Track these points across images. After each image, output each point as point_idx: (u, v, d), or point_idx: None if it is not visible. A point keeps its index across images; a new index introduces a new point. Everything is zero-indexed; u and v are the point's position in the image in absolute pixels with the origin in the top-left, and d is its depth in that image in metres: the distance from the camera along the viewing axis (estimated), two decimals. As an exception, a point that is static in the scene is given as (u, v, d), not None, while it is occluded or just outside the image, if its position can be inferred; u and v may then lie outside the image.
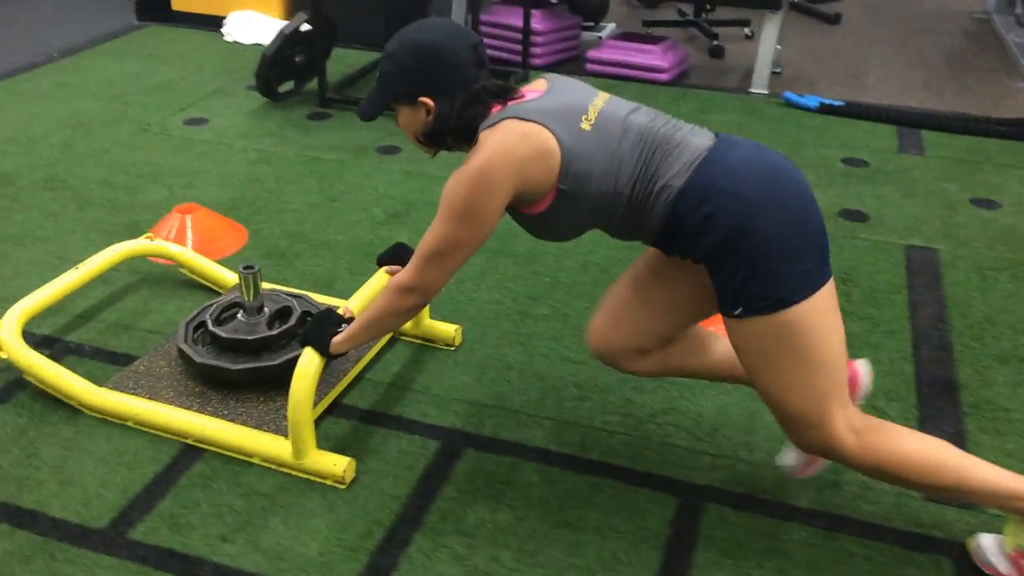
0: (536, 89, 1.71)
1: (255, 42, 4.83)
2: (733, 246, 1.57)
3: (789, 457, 1.93)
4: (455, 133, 1.69)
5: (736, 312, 1.60)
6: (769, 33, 4.23)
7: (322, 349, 1.90)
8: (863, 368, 1.93)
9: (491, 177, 1.59)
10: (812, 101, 4.05)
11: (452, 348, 2.41)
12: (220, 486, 1.94)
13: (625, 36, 4.55)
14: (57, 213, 3.03)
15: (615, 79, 4.42)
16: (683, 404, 2.19)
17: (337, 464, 1.97)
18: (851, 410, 1.67)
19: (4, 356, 2.21)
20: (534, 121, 1.60)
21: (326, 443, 2.05)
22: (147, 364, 2.30)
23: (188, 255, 2.64)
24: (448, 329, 2.43)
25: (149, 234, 2.66)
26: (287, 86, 4.08)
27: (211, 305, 2.35)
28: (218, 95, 4.11)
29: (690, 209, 1.59)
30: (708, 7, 5.09)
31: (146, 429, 2.10)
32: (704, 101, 4.18)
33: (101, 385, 2.19)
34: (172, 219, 2.86)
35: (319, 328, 1.93)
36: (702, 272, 1.66)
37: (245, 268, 2.21)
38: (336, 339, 1.89)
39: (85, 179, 3.27)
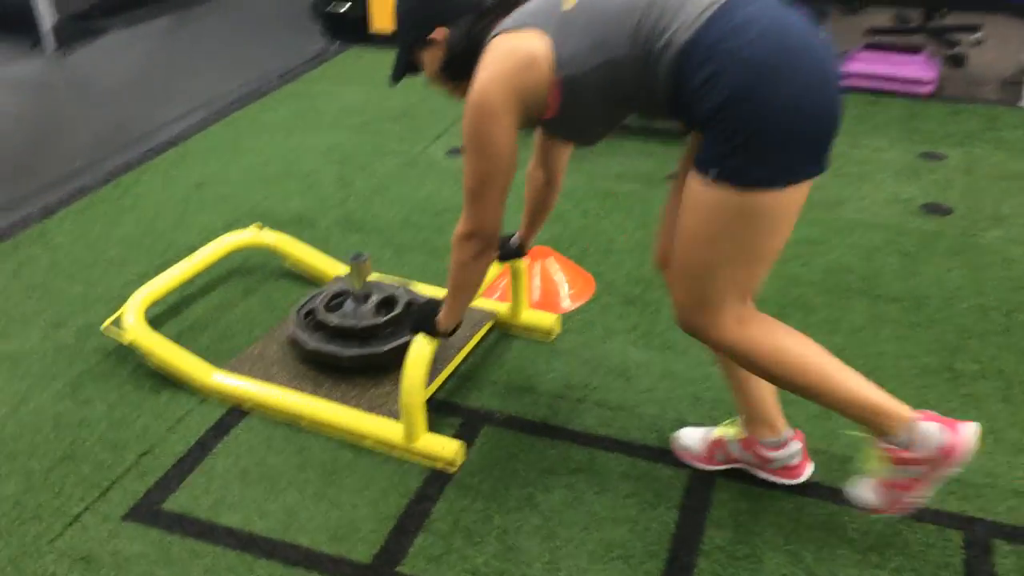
0: None
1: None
2: (731, 112, 1.43)
3: (863, 490, 1.76)
4: (469, 58, 1.63)
5: (709, 173, 1.48)
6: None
7: (432, 332, 1.96)
8: (967, 432, 1.63)
9: (488, 104, 1.58)
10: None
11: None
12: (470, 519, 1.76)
13: (874, 47, 4.29)
14: (382, 259, 2.86)
15: (871, 93, 4.15)
16: None
17: (447, 447, 2.02)
18: (748, 303, 1.64)
19: (128, 339, 2.26)
20: (519, 28, 1.58)
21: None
22: (261, 349, 2.37)
23: (292, 244, 2.71)
24: (547, 320, 2.47)
25: (258, 224, 2.73)
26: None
27: (319, 293, 2.41)
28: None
29: (693, 68, 1.44)
30: (941, 11, 4.80)
31: (261, 410, 2.17)
32: (987, 118, 3.90)
33: (219, 368, 2.27)
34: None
35: (425, 314, 1.98)
36: None
37: (355, 257, 2.27)
38: (439, 318, 1.93)
39: (384, 219, 3.09)
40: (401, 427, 2.04)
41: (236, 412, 2.17)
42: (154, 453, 2.03)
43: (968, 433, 1.63)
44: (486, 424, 2.14)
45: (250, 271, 2.77)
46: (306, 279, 2.72)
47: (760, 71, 1.41)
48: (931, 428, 1.62)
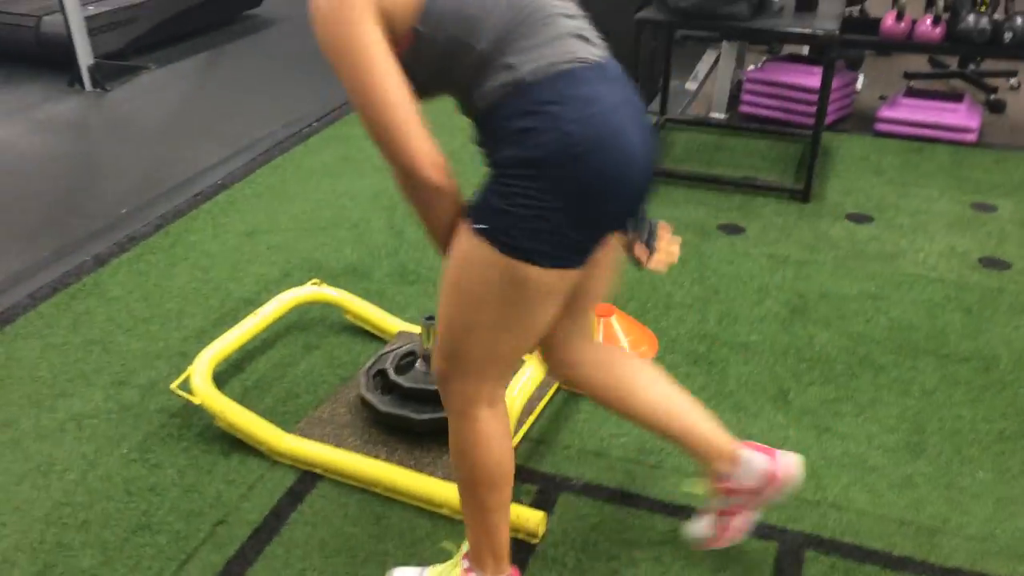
0: None
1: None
2: (525, 175, 1.37)
3: (697, 527, 1.85)
4: None
5: (475, 223, 1.43)
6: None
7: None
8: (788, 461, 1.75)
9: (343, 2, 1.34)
10: None
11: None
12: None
13: (916, 93, 4.28)
14: (435, 311, 2.81)
15: (913, 140, 4.14)
16: None
17: (529, 518, 1.97)
18: (501, 389, 1.60)
19: (197, 401, 2.23)
20: None
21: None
22: (329, 411, 2.33)
23: (355, 302, 2.69)
24: None
25: (316, 280, 2.70)
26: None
27: (386, 353, 2.39)
28: (509, 167, 3.91)
29: (516, 110, 1.37)
30: (978, 58, 4.80)
31: (335, 476, 2.13)
32: (1033, 165, 3.89)
33: (288, 432, 2.23)
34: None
35: None
36: None
37: (428, 319, 2.21)
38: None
39: (439, 270, 3.05)
40: (479, 496, 2.01)
41: (308, 477, 2.14)
42: (229, 522, 2.00)
43: (789, 461, 1.74)
44: (562, 492, 2.11)
45: (309, 326, 2.74)
46: (367, 333, 2.71)
47: (573, 152, 1.36)
48: (754, 457, 1.70)
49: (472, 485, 1.64)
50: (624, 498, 2.09)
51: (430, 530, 1.99)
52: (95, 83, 4.96)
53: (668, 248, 1.65)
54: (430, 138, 1.38)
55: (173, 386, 2.28)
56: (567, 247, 1.42)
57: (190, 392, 2.24)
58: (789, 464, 1.74)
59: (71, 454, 2.19)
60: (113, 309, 2.80)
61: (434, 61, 1.43)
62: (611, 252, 1.63)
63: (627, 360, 1.81)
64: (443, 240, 1.52)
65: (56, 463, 2.16)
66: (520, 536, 1.96)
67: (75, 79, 5.00)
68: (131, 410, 2.35)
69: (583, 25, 1.47)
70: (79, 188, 3.82)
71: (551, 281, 1.44)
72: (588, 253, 1.46)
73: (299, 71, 5.36)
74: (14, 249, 3.21)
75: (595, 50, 1.45)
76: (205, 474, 2.13)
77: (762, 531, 1.98)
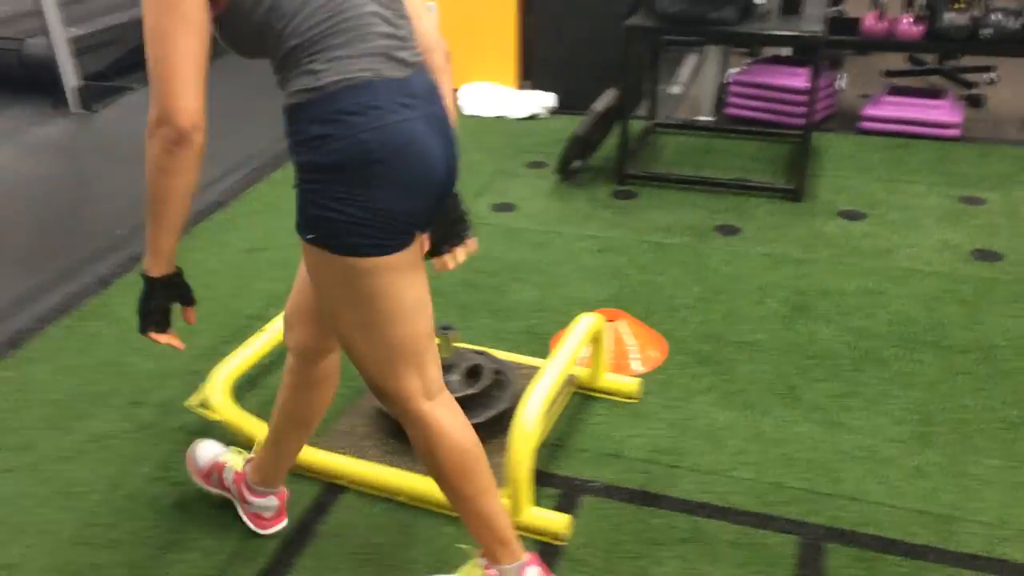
0: None
1: (497, 114, 4.68)
2: (326, 179, 1.44)
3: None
4: None
5: (303, 235, 1.51)
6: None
7: (148, 281, 1.57)
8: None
9: None
10: None
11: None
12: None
13: (899, 91, 4.36)
14: (441, 320, 2.82)
15: (898, 136, 4.22)
16: None
17: (555, 522, 2.02)
18: (431, 380, 1.66)
19: (218, 418, 2.28)
20: None
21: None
22: (347, 424, 2.36)
23: None
24: (629, 383, 2.48)
25: None
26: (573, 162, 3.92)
27: None
28: (504, 176, 3.94)
29: (315, 116, 1.42)
30: (956, 54, 4.90)
31: (357, 487, 2.16)
32: (1018, 160, 3.96)
33: (308, 445, 2.20)
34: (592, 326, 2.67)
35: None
36: None
37: (443, 328, 2.27)
38: (145, 259, 1.54)
39: (444, 279, 3.08)
40: (503, 501, 2.03)
41: (331, 488, 2.16)
42: (258, 536, 2.01)
43: (274, 529, 1.98)
44: (583, 494, 2.14)
45: (318, 339, 2.75)
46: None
47: (368, 159, 1.42)
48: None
49: (445, 479, 1.71)
50: (645, 498, 2.12)
51: (456, 536, 2.01)
52: (83, 104, 4.95)
53: (456, 255, 1.75)
54: (201, 98, 1.39)
55: (191, 404, 2.29)
56: (389, 232, 1.49)
57: (210, 409, 2.25)
58: None
59: (94, 475, 2.20)
60: (122, 330, 2.81)
61: (247, 36, 1.46)
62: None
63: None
64: (161, 226, 1.48)
65: (79, 484, 2.17)
66: (546, 539, 2.00)
67: (60, 101, 4.98)
68: (149, 429, 2.36)
69: (398, 43, 1.48)
70: (75, 210, 3.82)
71: (390, 263, 1.51)
72: (411, 233, 1.53)
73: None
74: (15, 273, 3.21)
75: (402, 69, 1.48)
76: (229, 490, 2.15)
77: (782, 525, 2.03)
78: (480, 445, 1.73)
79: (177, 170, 1.41)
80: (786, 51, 4.96)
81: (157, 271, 1.53)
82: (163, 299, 1.59)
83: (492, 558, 1.76)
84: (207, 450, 2.11)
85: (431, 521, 2.06)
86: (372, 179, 1.44)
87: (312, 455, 2.20)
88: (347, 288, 1.52)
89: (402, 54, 1.49)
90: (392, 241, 1.50)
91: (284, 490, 2.02)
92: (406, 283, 1.56)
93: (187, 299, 1.63)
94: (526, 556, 1.78)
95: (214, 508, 2.09)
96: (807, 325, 2.79)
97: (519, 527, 2.00)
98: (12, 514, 2.08)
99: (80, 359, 2.67)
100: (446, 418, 1.68)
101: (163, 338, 1.64)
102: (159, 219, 1.47)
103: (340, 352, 1.84)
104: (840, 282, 3.03)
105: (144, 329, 1.63)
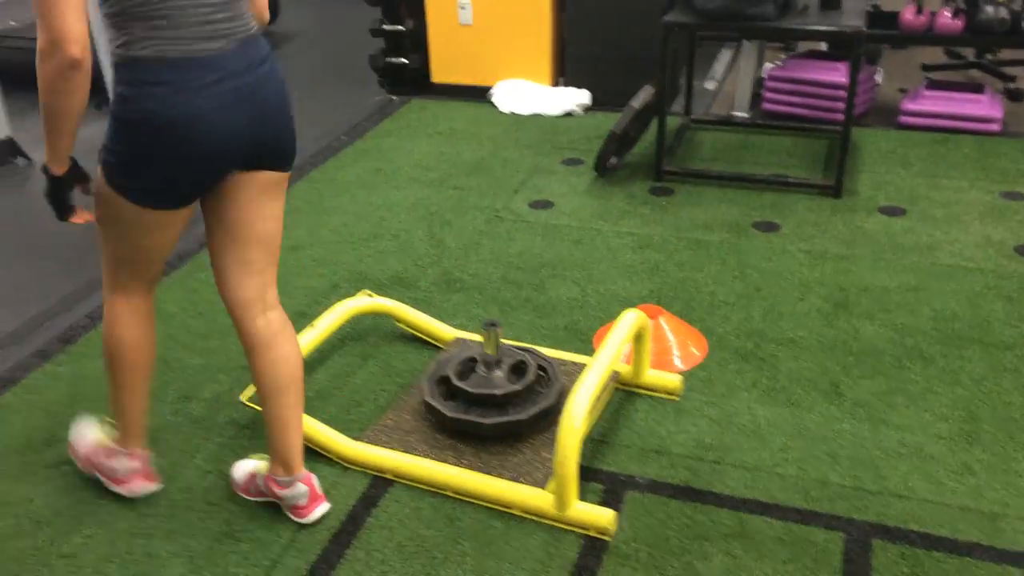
0: None
1: (533, 112, 4.70)
2: (120, 130, 1.70)
3: (238, 471, 2.18)
4: None
5: (100, 159, 1.77)
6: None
7: (50, 177, 1.78)
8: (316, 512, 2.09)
9: None
10: None
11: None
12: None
13: (938, 85, 4.32)
14: (483, 317, 2.84)
15: (937, 131, 4.19)
16: None
17: (601, 516, 2.04)
18: (136, 287, 1.96)
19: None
20: None
21: None
22: (394, 418, 2.40)
23: (406, 310, 2.77)
24: (671, 380, 2.50)
25: (367, 291, 2.80)
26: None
27: (446, 360, 2.45)
28: (541, 173, 3.97)
29: (123, 78, 1.67)
30: (995, 48, 4.84)
31: (404, 481, 2.21)
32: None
33: (355, 439, 2.31)
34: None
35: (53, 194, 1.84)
36: None
37: (489, 325, 2.31)
38: (46, 160, 1.75)
39: (484, 277, 3.12)
40: (549, 496, 2.06)
41: (379, 482, 2.19)
42: (308, 528, 2.05)
43: (316, 513, 2.09)
44: (628, 490, 2.16)
45: (362, 336, 2.80)
46: (419, 341, 2.76)
47: (153, 125, 1.67)
48: (300, 489, 2.05)
49: (108, 360, 2.03)
50: (689, 494, 2.14)
51: (502, 530, 2.04)
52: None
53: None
54: (82, 21, 1.57)
55: (242, 397, 2.34)
56: (153, 194, 1.77)
57: (258, 404, 2.30)
58: (315, 515, 2.08)
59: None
60: (171, 326, 2.87)
61: None
62: (272, 204, 1.92)
63: (281, 347, 2.03)
64: (56, 136, 1.69)
65: (134, 477, 2.22)
66: (592, 533, 2.02)
67: (103, 102, 5.07)
68: (201, 423, 2.41)
69: (220, 17, 1.69)
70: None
71: (143, 214, 1.79)
72: (173, 202, 1.80)
73: (320, 85, 5.44)
74: (63, 270, 3.28)
75: (217, 43, 1.69)
76: (279, 483, 2.19)
77: (828, 522, 2.03)
78: (144, 353, 2.04)
79: (71, 90, 1.61)
80: (823, 45, 4.94)
81: (59, 169, 1.77)
82: (68, 188, 1.82)
83: (120, 440, 2.14)
84: (242, 468, 2.18)
85: (478, 515, 2.09)
86: (152, 144, 1.69)
87: (360, 450, 2.24)
88: (108, 211, 1.82)
89: (223, 27, 1.70)
90: (155, 201, 1.78)
91: (308, 474, 2.08)
92: (151, 232, 1.85)
93: (84, 178, 1.83)
94: (140, 452, 2.14)
95: (268, 502, 2.13)
96: (849, 322, 2.79)
97: (565, 521, 2.04)
98: (72, 505, 2.14)
99: (131, 354, 2.72)
100: (124, 313, 1.98)
101: (79, 218, 1.87)
102: (58, 130, 1.69)
103: (280, 314, 2.05)
104: (882, 278, 3.02)
105: (62, 217, 1.85)
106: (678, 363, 2.61)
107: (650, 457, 2.26)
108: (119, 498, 2.15)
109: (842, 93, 4.32)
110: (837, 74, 4.34)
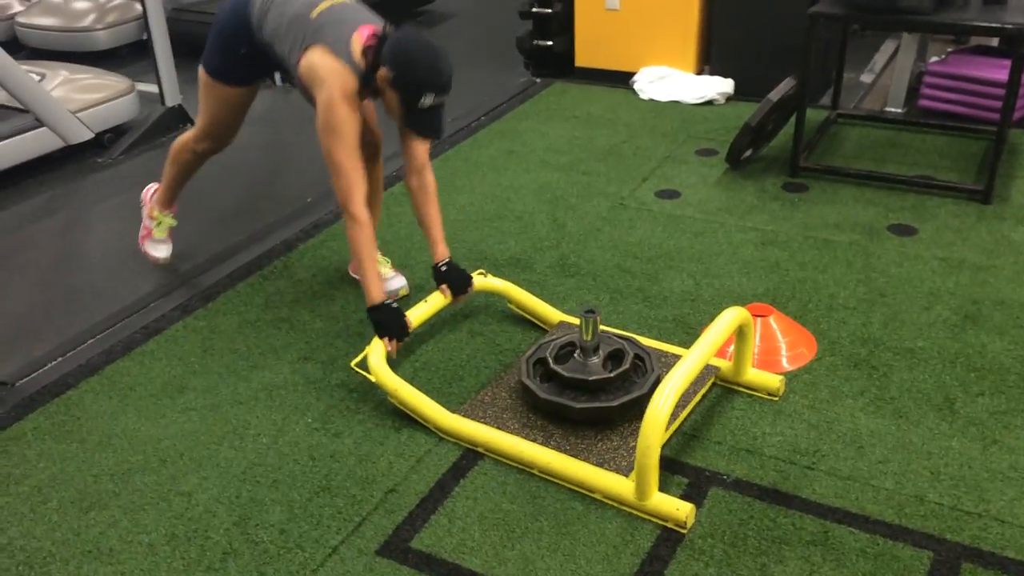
0: None
1: (672, 99, 4.66)
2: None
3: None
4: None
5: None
6: None
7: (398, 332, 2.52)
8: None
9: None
10: None
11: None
12: None
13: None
14: (594, 303, 2.91)
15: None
16: None
17: (680, 509, 2.06)
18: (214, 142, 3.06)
19: (374, 379, 2.45)
20: None
21: None
22: (491, 395, 2.48)
23: (516, 291, 2.85)
24: (772, 380, 2.46)
25: (481, 271, 2.87)
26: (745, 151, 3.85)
27: (546, 343, 2.52)
28: (672, 163, 3.94)
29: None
30: None
31: (494, 455, 2.29)
32: None
33: (453, 412, 2.40)
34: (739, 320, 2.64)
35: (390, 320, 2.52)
36: None
37: (588, 312, 2.34)
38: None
39: (599, 264, 3.15)
40: (631, 484, 2.09)
41: (470, 454, 2.29)
42: (399, 491, 2.17)
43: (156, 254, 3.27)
44: (713, 486, 2.16)
45: (473, 313, 2.90)
46: (527, 322, 2.83)
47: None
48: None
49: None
50: (775, 496, 2.11)
51: (582, 512, 2.09)
52: (283, 79, 5.34)
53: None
54: (364, 187, 2.46)
55: (353, 363, 2.49)
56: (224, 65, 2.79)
57: (367, 371, 2.44)
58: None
59: (263, 420, 2.44)
60: (299, 290, 3.06)
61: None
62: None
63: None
64: (366, 269, 2.50)
65: (250, 428, 2.41)
66: (669, 525, 2.04)
67: (270, 78, 5.40)
68: (315, 383, 2.58)
69: None
70: (270, 177, 4.16)
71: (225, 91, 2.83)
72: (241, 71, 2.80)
73: (469, 65, 5.56)
74: (215, 232, 3.55)
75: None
76: (378, 445, 2.32)
77: (917, 539, 1.96)
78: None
79: (363, 235, 2.48)
80: (995, 41, 4.62)
81: (374, 298, 2.49)
82: (381, 319, 2.49)
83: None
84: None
85: (560, 495, 2.14)
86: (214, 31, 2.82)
87: (455, 421, 2.34)
88: (206, 90, 2.89)
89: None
90: (227, 73, 2.84)
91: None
92: (228, 106, 2.92)
93: (399, 329, 2.52)
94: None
95: (363, 461, 2.27)
96: (977, 336, 2.64)
97: (644, 511, 2.07)
98: (193, 447, 2.35)
99: (261, 314, 2.94)
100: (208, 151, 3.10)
101: (389, 345, 2.49)
102: (358, 257, 2.51)
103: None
104: (1021, 293, 2.84)
105: (382, 336, 2.50)
106: (785, 364, 2.56)
107: (740, 456, 2.24)
108: (234, 446, 2.35)
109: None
110: (1003, 72, 4.05)
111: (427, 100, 2.36)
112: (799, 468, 2.19)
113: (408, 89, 2.35)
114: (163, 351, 2.76)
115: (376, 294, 2.48)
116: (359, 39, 2.42)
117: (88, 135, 4.29)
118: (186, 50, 4.75)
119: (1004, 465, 2.16)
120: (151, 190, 3.28)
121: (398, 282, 2.98)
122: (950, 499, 2.07)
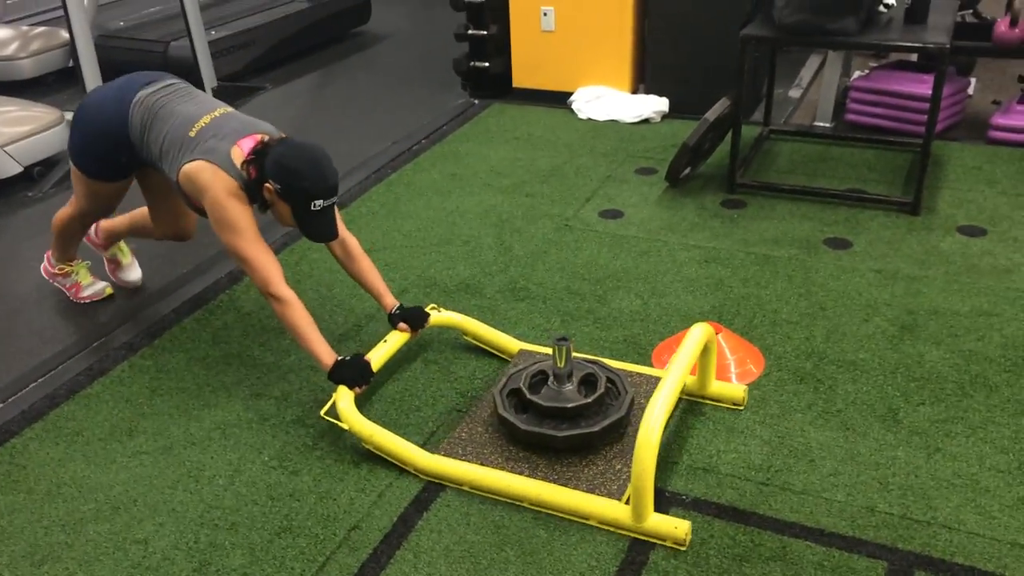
0: None
1: (610, 118, 4.73)
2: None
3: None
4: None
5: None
6: None
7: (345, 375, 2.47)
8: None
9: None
10: None
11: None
12: None
13: (1030, 100, 4.17)
14: (551, 329, 2.94)
15: (1029, 148, 4.05)
16: None
17: (679, 527, 2.09)
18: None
19: (345, 427, 2.40)
20: None
21: None
22: (467, 431, 2.47)
23: (471, 323, 2.86)
24: (736, 391, 2.54)
25: (433, 305, 2.88)
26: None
27: (516, 373, 2.52)
28: (613, 182, 4.00)
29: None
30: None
31: (480, 493, 2.28)
32: None
33: (432, 452, 2.38)
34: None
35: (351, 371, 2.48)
36: None
37: (559, 340, 2.35)
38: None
39: (548, 286, 3.18)
40: (626, 507, 2.13)
41: (432, 486, 2.29)
42: (362, 527, 2.16)
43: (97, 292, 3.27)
44: (672, 507, 2.19)
45: (426, 343, 2.89)
46: (480, 349, 2.84)
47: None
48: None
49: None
50: (733, 514, 2.16)
51: (546, 539, 2.11)
52: (219, 104, 5.26)
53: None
54: (279, 270, 2.49)
55: (322, 412, 2.43)
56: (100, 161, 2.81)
57: (338, 419, 2.39)
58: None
59: (218, 461, 2.40)
60: (247, 324, 3.02)
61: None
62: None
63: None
64: (310, 342, 2.47)
65: (205, 469, 2.37)
66: (669, 544, 2.07)
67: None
68: (269, 420, 2.55)
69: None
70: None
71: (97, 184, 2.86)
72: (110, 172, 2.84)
73: (406, 87, 5.57)
74: (157, 265, 3.48)
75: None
76: (338, 481, 2.30)
77: (871, 550, 2.03)
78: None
79: (293, 312, 2.47)
80: (914, 55, 4.81)
81: (326, 363, 2.45)
82: (343, 374, 2.44)
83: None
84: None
85: (524, 523, 2.16)
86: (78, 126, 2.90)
87: (438, 463, 2.31)
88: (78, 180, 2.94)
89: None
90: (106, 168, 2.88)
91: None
92: (97, 196, 2.93)
93: (362, 375, 2.50)
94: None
95: (323, 498, 2.25)
96: (914, 346, 2.74)
97: (643, 532, 2.09)
98: (146, 493, 2.30)
99: (209, 351, 2.89)
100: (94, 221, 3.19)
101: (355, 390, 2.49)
102: (302, 341, 2.49)
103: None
104: (953, 302, 2.96)
105: (350, 387, 2.47)
106: (734, 380, 2.62)
107: (697, 475, 2.29)
108: (189, 489, 2.30)
109: (928, 106, 4.21)
110: (924, 86, 4.22)
111: (317, 205, 2.39)
112: (754, 484, 2.25)
113: (297, 199, 2.39)
114: (109, 393, 2.70)
115: (326, 359, 2.45)
116: (239, 153, 2.47)
117: (17, 169, 4.18)
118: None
119: (948, 472, 2.25)
120: (47, 257, 3.24)
121: (135, 273, 3.33)
122: (899, 508, 2.15)
